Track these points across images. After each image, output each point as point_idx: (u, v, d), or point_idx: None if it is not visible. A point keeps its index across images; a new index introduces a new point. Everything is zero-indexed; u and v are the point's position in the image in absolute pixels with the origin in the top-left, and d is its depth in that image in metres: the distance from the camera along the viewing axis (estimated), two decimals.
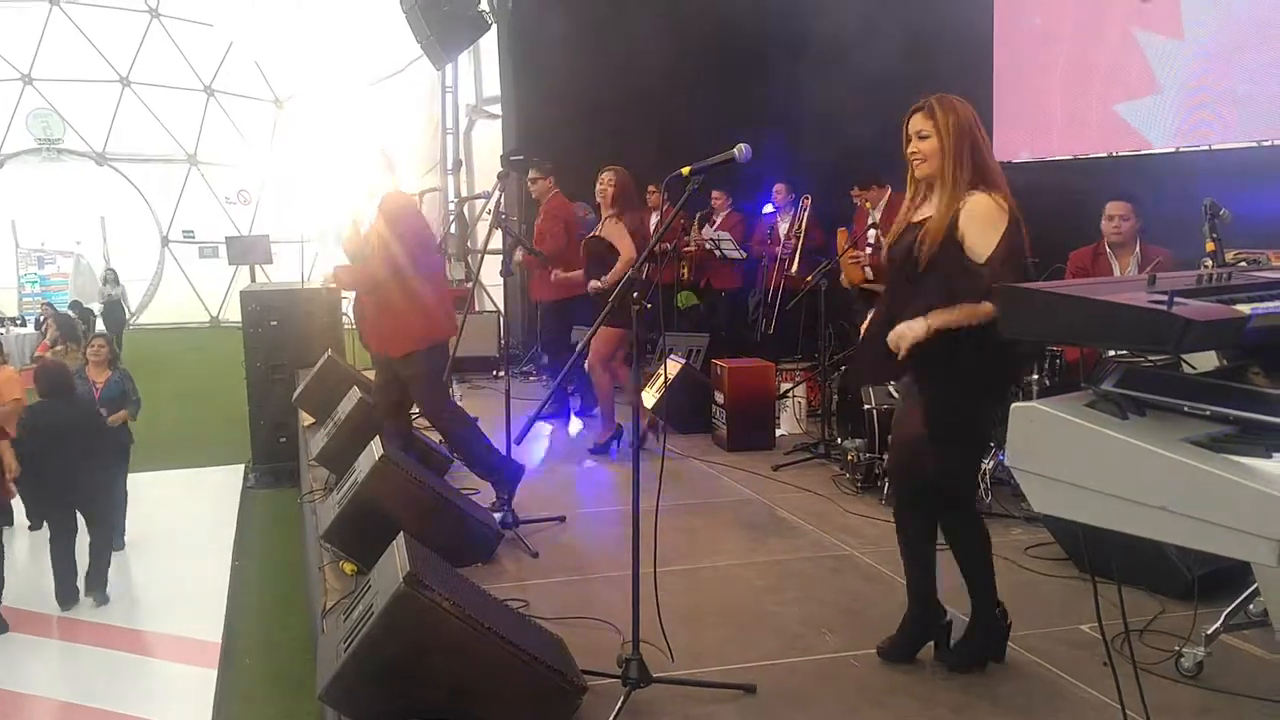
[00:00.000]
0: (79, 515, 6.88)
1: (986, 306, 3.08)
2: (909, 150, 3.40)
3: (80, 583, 6.84)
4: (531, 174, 8.09)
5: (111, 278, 18.75)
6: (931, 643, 3.64)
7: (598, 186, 6.69)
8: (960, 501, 3.53)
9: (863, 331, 3.66)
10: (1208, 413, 1.86)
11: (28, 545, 7.84)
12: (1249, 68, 6.05)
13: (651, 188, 9.56)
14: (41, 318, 16.70)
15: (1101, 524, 1.85)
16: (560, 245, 7.48)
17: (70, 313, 16.46)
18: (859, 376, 3.64)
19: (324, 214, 5.37)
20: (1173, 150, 6.56)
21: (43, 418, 6.81)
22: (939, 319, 3.17)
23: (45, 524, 7.05)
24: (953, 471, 3.44)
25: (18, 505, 7.55)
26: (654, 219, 9.41)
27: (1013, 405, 1.96)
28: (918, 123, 3.36)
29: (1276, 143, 5.90)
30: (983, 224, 3.21)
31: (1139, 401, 1.88)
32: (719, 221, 9.36)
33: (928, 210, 3.40)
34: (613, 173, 6.71)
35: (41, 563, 6.97)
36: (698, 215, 9.55)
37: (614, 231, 6.61)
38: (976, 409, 3.39)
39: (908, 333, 3.21)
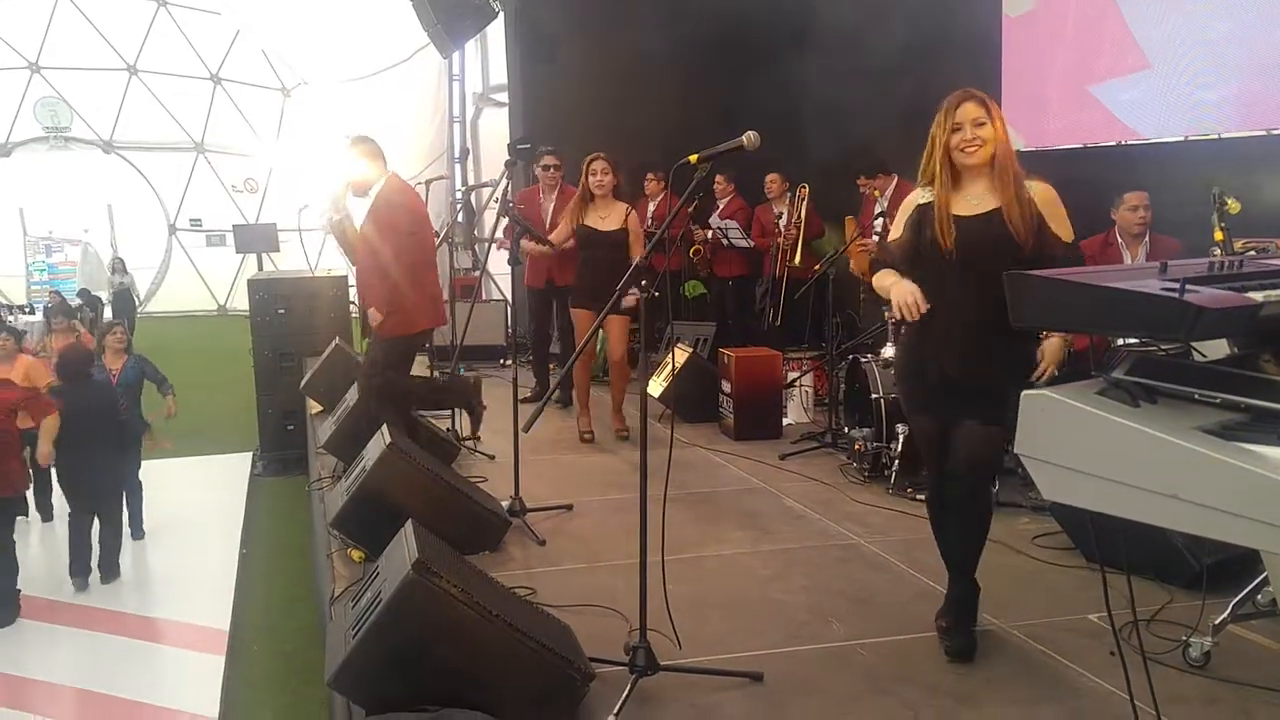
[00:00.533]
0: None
1: None
2: (964, 137, 3.40)
3: (94, 562, 6.91)
4: (556, 160, 8.06)
5: (120, 266, 18.62)
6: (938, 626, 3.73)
7: (592, 178, 6.65)
8: (994, 479, 3.77)
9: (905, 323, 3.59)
10: (1219, 400, 1.85)
11: (39, 532, 7.88)
12: (1255, 55, 6.01)
13: (650, 175, 9.52)
14: (49, 305, 16.71)
15: (1111, 512, 1.85)
16: None
17: (78, 299, 16.50)
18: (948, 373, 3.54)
19: (320, 201, 5.41)
20: (1180, 139, 6.54)
21: (62, 401, 6.86)
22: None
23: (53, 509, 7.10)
24: (1003, 451, 3.61)
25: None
26: (650, 206, 9.38)
27: (1023, 393, 1.96)
28: (972, 110, 3.40)
29: None
30: (1060, 211, 3.46)
31: (1150, 389, 1.87)
32: (722, 207, 9.31)
33: (968, 202, 3.44)
34: (606, 160, 6.69)
35: (53, 550, 7.01)
36: (693, 206, 9.47)
37: (636, 228, 6.65)
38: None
39: (1053, 356, 3.50)
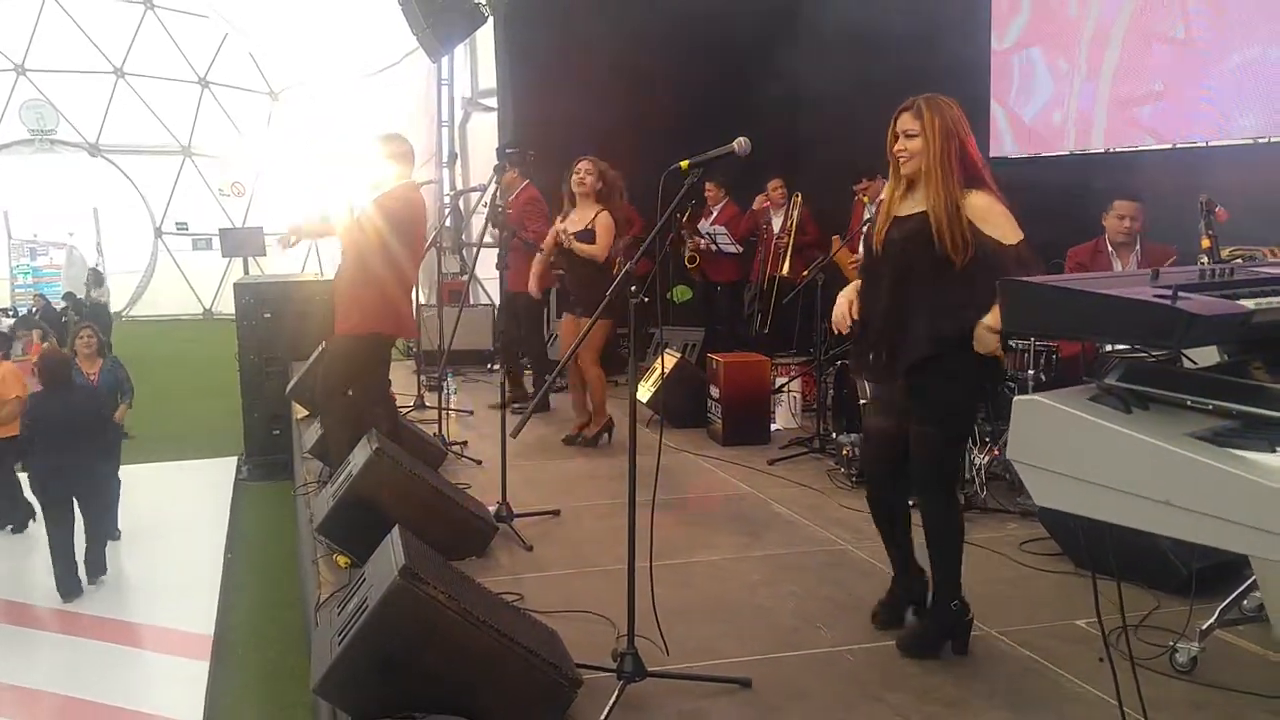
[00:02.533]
0: (76, 505, 6.90)
1: None
2: (895, 148, 3.50)
3: (81, 572, 6.85)
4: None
5: (93, 280, 18.14)
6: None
7: (574, 177, 6.62)
8: (944, 485, 3.62)
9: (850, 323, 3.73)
10: (1210, 407, 1.85)
11: (21, 536, 7.83)
12: (1243, 66, 6.05)
13: None
14: (34, 309, 16.64)
15: (1103, 517, 1.84)
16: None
17: (63, 302, 16.42)
18: (868, 371, 3.72)
19: (315, 201, 5.26)
20: (1169, 146, 6.56)
21: (44, 408, 6.81)
22: (994, 319, 3.23)
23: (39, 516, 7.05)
24: (940, 455, 3.57)
25: None
26: None
27: (1015, 398, 1.96)
28: (905, 122, 3.47)
29: (1273, 140, 5.90)
30: (997, 216, 3.37)
31: (1142, 395, 1.87)
32: (715, 215, 9.30)
33: (910, 204, 3.52)
34: (591, 162, 6.62)
35: (35, 553, 6.95)
36: (688, 210, 9.44)
37: (603, 226, 6.51)
38: (971, 394, 3.62)
39: (990, 340, 3.33)
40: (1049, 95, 7.48)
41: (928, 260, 3.41)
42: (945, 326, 3.38)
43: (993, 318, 3.28)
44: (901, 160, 3.47)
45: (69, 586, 6.74)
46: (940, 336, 3.39)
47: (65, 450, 6.70)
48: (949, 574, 3.59)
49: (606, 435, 6.86)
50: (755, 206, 8.81)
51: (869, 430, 3.87)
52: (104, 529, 7.10)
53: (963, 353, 3.37)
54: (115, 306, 22.51)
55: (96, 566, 6.96)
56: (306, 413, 7.39)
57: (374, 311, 5.18)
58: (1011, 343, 5.46)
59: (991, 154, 7.76)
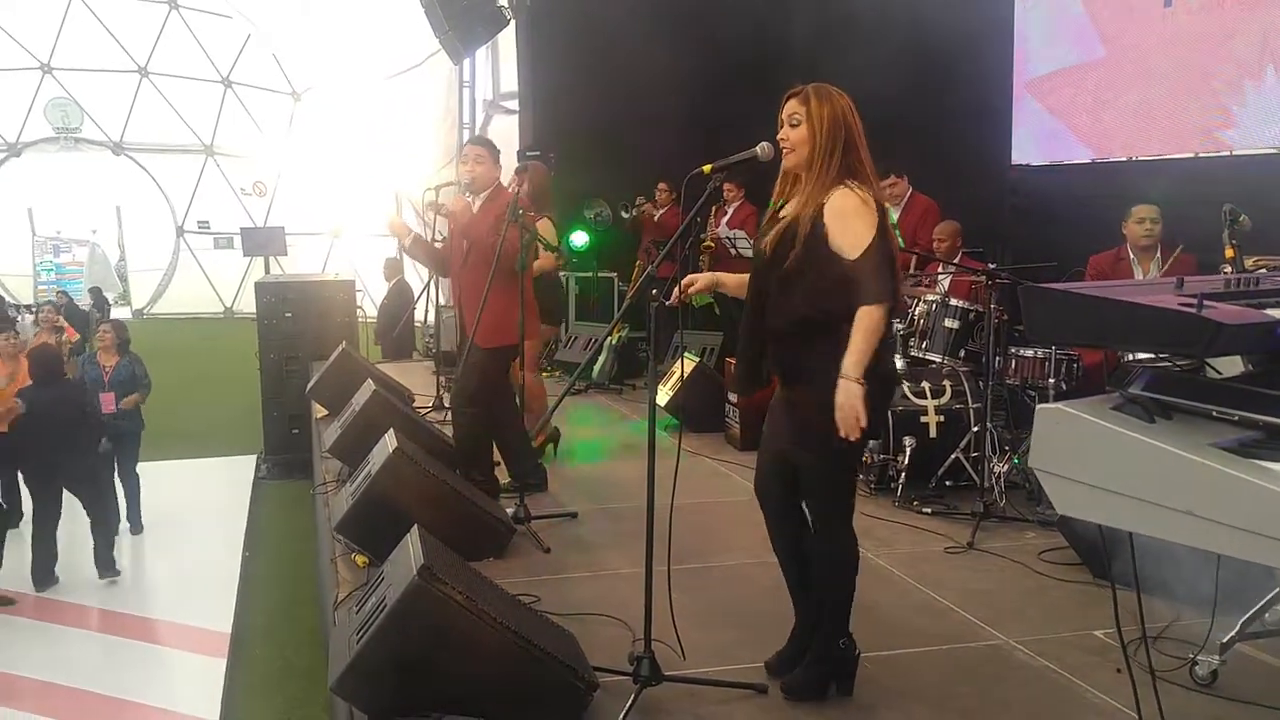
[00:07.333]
0: (66, 500, 6.97)
1: (875, 316, 2.96)
2: (778, 137, 3.19)
3: (58, 567, 6.96)
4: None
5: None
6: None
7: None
8: (836, 518, 3.30)
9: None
10: (1236, 418, 1.84)
11: (24, 531, 7.88)
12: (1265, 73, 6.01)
13: (662, 185, 9.46)
14: (58, 305, 16.74)
15: (1125, 527, 1.83)
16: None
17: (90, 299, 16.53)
18: (737, 385, 3.39)
19: (346, 205, 5.29)
20: (1191, 155, 6.53)
21: (30, 402, 6.89)
22: (855, 364, 2.94)
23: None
24: (828, 487, 3.28)
25: None
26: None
27: (1038, 407, 1.95)
28: (791, 107, 3.17)
29: None
30: (849, 219, 3.04)
31: (1166, 405, 1.86)
32: (730, 214, 9.26)
33: (790, 209, 3.22)
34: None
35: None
36: (714, 209, 9.43)
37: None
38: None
39: (850, 406, 2.94)
40: (1071, 103, 7.45)
41: (782, 268, 3.12)
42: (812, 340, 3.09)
43: (852, 363, 2.94)
44: (784, 151, 3.16)
45: (43, 577, 6.84)
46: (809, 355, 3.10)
47: (50, 444, 6.79)
48: (838, 611, 3.30)
49: (552, 447, 6.63)
50: None
51: (761, 457, 3.50)
52: (107, 527, 7.14)
53: (831, 368, 2.99)
54: (137, 304, 22.71)
55: (105, 565, 7.00)
56: (326, 412, 7.42)
57: (512, 325, 5.22)
58: (1033, 351, 5.45)
59: (1013, 161, 7.74)
